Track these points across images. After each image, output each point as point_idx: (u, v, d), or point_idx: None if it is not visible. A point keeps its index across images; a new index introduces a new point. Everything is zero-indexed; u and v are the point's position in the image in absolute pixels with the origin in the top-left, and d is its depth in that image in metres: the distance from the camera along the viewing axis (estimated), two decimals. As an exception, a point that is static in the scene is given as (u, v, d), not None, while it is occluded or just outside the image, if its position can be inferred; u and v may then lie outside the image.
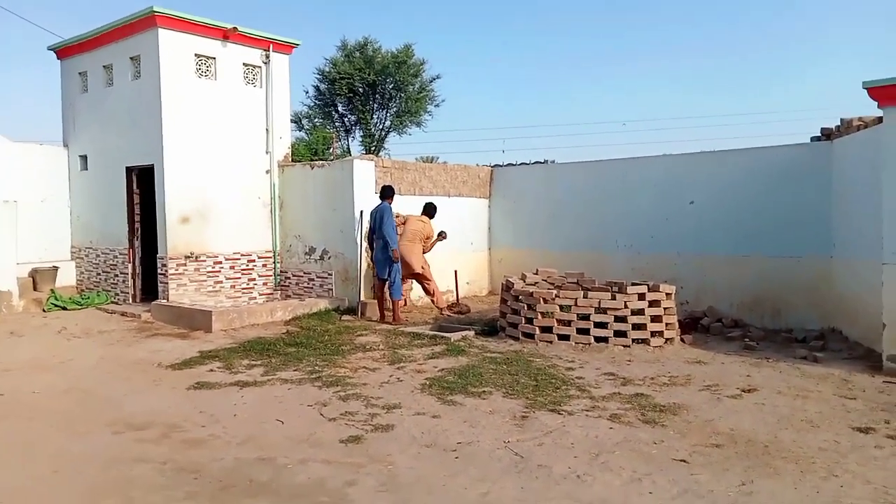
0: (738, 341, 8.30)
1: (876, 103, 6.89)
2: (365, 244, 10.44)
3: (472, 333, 8.68)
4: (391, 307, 9.83)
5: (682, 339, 8.15)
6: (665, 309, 7.96)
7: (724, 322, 9.18)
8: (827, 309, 8.76)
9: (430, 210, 10.76)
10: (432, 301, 10.64)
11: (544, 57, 69.01)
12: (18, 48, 51.63)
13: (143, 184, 11.08)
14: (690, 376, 6.60)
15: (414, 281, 10.72)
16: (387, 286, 9.85)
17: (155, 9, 10.14)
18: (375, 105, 22.46)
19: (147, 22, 10.37)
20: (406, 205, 11.01)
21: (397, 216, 10.31)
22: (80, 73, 12.06)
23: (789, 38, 67.71)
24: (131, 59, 10.88)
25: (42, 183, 11.96)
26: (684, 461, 4.38)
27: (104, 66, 11.48)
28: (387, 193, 10.11)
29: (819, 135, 9.29)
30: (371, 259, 10.27)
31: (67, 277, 12.04)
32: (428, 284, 10.50)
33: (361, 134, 22.83)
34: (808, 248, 9.01)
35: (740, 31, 67.40)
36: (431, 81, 22.77)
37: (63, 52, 12.35)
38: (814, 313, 8.90)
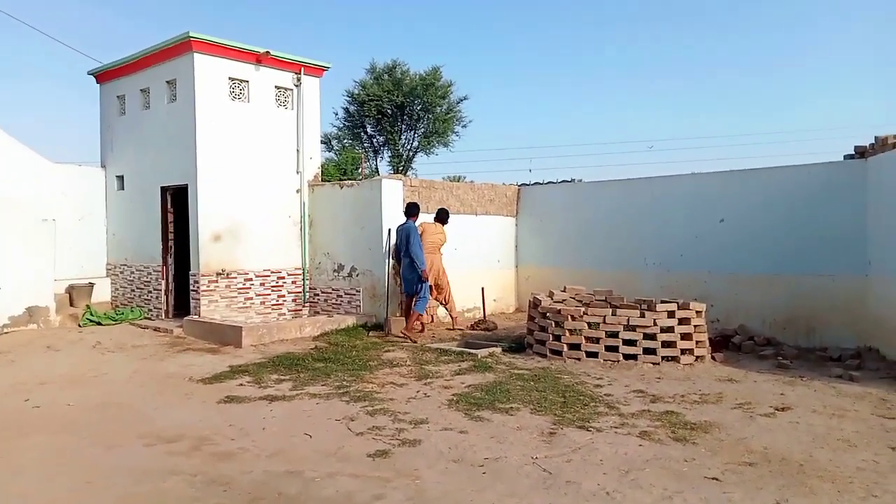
0: (771, 360, 8.15)
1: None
2: (392, 261, 10.50)
3: (499, 350, 8.66)
4: (422, 320, 10.01)
5: (712, 357, 8.04)
6: (695, 326, 7.86)
7: (756, 340, 9.02)
8: (863, 327, 8.57)
9: (442, 216, 10.72)
10: (445, 307, 10.61)
11: (571, 77, 69.15)
12: (59, 73, 53.40)
13: (177, 203, 11.33)
14: (722, 394, 6.49)
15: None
16: (414, 300, 9.90)
17: (191, 34, 10.41)
18: (403, 126, 22.69)
19: (183, 47, 10.65)
20: (433, 223, 11.05)
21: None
22: (118, 97, 12.41)
23: (815, 56, 66.99)
24: (167, 82, 11.18)
25: (79, 202, 12.29)
26: (716, 479, 4.31)
27: (141, 90, 11.80)
28: (412, 211, 10.15)
29: (853, 153, 9.19)
30: (399, 275, 10.33)
31: (102, 293, 12.32)
32: (440, 294, 10.48)
33: (390, 154, 23.09)
34: (842, 266, 8.84)
35: (766, 50, 66.86)
36: (459, 102, 22.97)
37: (102, 76, 12.74)
38: (849, 332, 8.71)
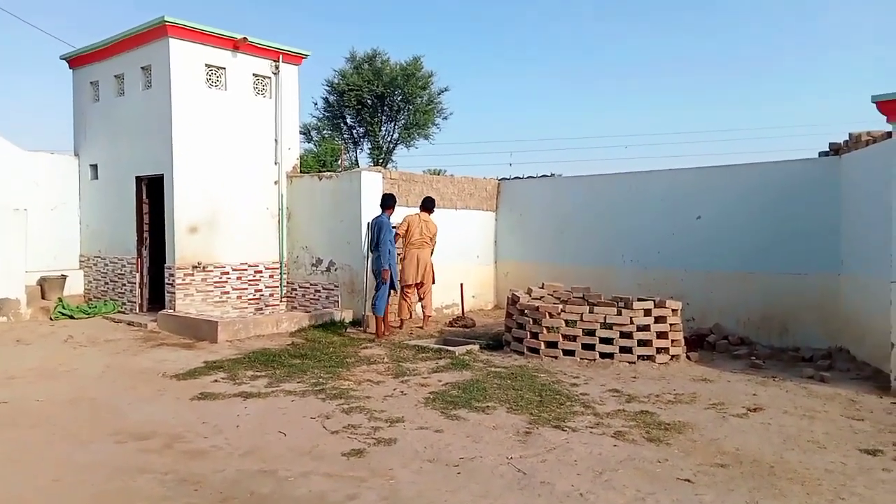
0: (745, 359, 8.25)
1: (885, 118, 6.84)
2: (371, 256, 10.40)
3: (476, 347, 8.66)
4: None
5: (687, 357, 8.11)
6: (671, 325, 7.92)
7: (731, 339, 9.12)
8: (834, 327, 8.70)
9: (428, 205, 10.42)
10: (421, 303, 10.43)
11: (551, 71, 69.22)
12: (29, 56, 52.29)
13: (153, 193, 11.15)
14: (696, 394, 6.55)
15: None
16: (372, 301, 9.69)
17: (166, 18, 10.23)
18: (384, 117, 22.53)
19: (158, 32, 10.46)
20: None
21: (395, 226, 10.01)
22: (91, 83, 12.17)
23: (791, 53, 67.77)
24: (142, 68, 10.97)
25: (52, 192, 12.04)
26: (689, 481, 4.34)
27: (115, 76, 11.58)
28: (387, 203, 9.80)
29: (827, 150, 9.27)
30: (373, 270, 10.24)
31: (75, 286, 12.10)
32: (420, 290, 10.33)
33: (369, 146, 22.93)
34: (815, 265, 8.95)
35: (742, 47, 67.47)
36: (440, 94, 22.86)
37: (75, 61, 12.47)
38: (821, 332, 8.83)
